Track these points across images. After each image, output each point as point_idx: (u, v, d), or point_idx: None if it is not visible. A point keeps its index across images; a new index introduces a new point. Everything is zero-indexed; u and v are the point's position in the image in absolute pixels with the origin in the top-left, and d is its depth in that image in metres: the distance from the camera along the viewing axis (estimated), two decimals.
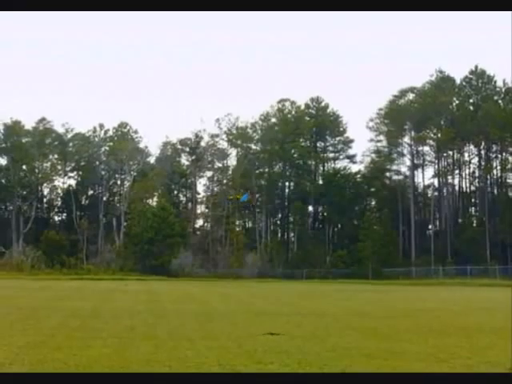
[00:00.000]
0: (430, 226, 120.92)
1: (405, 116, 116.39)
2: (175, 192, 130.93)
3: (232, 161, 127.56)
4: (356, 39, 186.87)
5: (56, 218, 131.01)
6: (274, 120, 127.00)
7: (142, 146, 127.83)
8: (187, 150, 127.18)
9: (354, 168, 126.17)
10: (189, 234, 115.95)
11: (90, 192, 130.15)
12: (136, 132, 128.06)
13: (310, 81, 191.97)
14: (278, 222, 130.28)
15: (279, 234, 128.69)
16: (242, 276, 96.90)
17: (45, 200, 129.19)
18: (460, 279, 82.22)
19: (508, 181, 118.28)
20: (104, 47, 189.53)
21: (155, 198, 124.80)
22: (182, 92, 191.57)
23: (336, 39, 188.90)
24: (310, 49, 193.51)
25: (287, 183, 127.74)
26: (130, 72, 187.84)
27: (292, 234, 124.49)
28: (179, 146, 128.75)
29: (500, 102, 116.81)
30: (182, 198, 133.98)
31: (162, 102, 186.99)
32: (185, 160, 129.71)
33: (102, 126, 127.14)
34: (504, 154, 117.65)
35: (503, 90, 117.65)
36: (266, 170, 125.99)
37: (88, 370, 11.47)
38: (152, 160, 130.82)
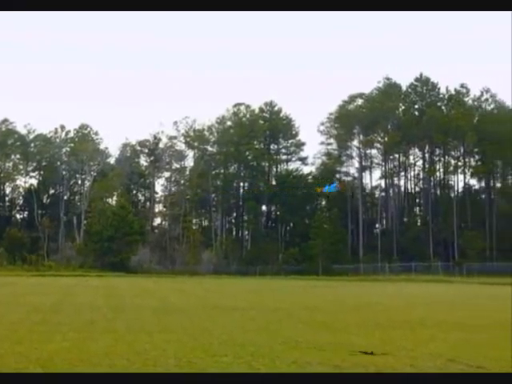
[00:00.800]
0: (377, 225, 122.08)
1: (354, 120, 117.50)
2: (134, 191, 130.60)
3: (189, 162, 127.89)
4: (308, 45, 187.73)
5: (18, 216, 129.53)
6: (229, 123, 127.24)
7: (102, 147, 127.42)
8: (146, 151, 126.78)
9: (306, 169, 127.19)
10: (147, 231, 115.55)
11: (51, 191, 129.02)
12: (96, 133, 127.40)
13: (264, 85, 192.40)
14: (233, 221, 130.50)
15: (234, 233, 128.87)
16: (198, 272, 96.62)
17: (7, 198, 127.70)
18: (405, 275, 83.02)
19: (450, 182, 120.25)
20: (65, 49, 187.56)
21: (115, 197, 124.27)
22: (142, 95, 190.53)
23: (289, 45, 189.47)
24: (264, 54, 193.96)
25: (242, 183, 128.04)
26: (91, 74, 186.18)
27: (246, 233, 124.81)
28: (138, 148, 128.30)
29: (443, 108, 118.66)
30: (141, 198, 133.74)
31: (121, 105, 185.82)
32: (143, 161, 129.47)
33: (63, 127, 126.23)
34: (446, 157, 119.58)
35: (446, 96, 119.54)
36: (222, 170, 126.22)
37: (49, 363, 11.35)
38: (112, 161, 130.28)
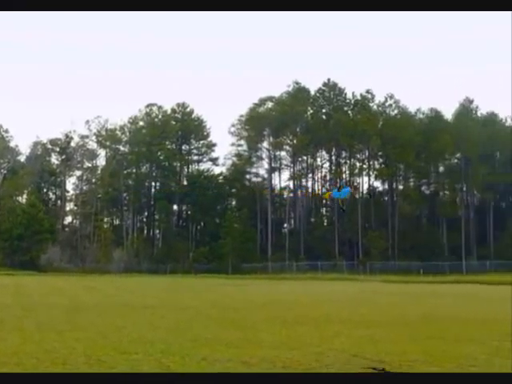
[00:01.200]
0: (285, 225, 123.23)
1: (264, 123, 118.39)
2: (45, 190, 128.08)
3: (101, 161, 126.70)
4: (219, 47, 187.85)
5: None
6: (141, 123, 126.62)
7: (12, 144, 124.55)
8: (57, 149, 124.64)
9: (217, 170, 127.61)
10: (58, 230, 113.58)
11: None
12: (7, 131, 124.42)
13: (176, 87, 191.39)
14: (145, 220, 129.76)
15: (145, 231, 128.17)
16: (109, 271, 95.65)
17: None
18: (311, 274, 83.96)
19: (355, 184, 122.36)
20: None
21: (25, 196, 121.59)
22: (53, 93, 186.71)
23: (201, 46, 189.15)
24: (177, 54, 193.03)
25: (153, 183, 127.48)
26: (1, 72, 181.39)
27: (157, 231, 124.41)
28: (49, 146, 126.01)
29: (349, 112, 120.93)
30: (52, 196, 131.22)
31: (33, 103, 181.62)
32: (55, 159, 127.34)
33: None
34: (352, 160, 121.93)
35: (352, 101, 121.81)
36: (134, 170, 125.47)
37: None
38: (22, 159, 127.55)
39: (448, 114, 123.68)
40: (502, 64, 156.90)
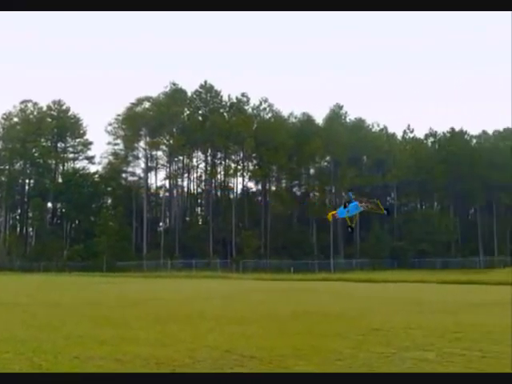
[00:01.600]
0: (160, 224, 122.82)
1: (140, 122, 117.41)
2: None
3: None
4: (95, 46, 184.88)
5: None
6: (16, 119, 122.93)
7: None
8: None
9: (93, 168, 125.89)
10: None
11: None
12: None
13: (53, 84, 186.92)
14: (18, 217, 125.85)
15: (18, 229, 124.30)
16: None
17: None
18: (186, 272, 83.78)
19: (230, 184, 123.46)
20: None
21: None
22: None
23: (78, 44, 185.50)
24: (52, 53, 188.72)
25: (27, 180, 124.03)
26: None
27: (31, 229, 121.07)
28: None
29: (225, 114, 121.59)
30: None
31: None
32: None
33: None
34: (227, 161, 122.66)
35: (228, 104, 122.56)
36: (7, 167, 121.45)
37: None
38: None
39: (319, 118, 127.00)
40: (369, 74, 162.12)
